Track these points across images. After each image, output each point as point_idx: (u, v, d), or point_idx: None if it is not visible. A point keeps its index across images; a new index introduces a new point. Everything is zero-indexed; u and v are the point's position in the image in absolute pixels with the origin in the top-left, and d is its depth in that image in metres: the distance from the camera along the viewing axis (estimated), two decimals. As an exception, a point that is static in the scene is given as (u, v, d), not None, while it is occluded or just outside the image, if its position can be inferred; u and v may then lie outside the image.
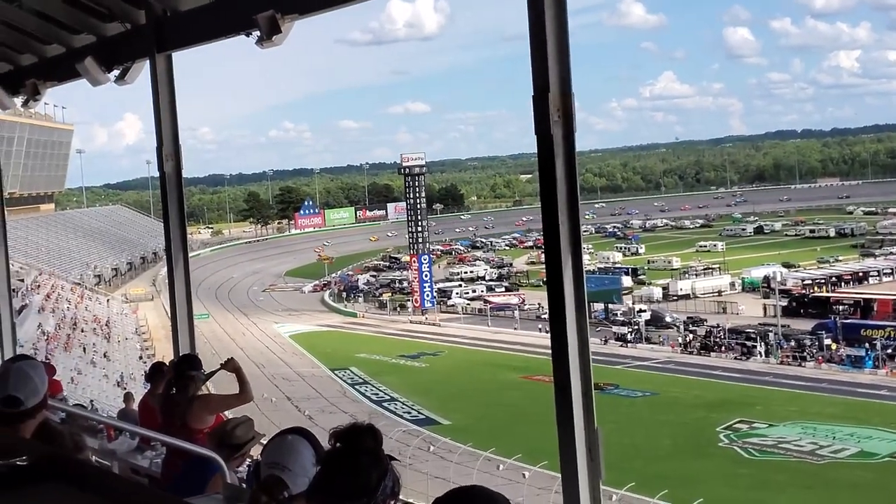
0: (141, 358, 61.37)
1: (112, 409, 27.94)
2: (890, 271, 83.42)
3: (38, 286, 69.91)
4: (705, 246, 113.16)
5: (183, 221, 8.43)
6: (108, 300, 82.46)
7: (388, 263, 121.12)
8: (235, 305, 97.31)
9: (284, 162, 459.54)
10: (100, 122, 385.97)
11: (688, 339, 64.36)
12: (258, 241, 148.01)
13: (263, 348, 73.32)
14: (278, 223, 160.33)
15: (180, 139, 8.33)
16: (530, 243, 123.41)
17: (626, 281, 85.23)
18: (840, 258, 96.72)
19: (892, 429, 42.31)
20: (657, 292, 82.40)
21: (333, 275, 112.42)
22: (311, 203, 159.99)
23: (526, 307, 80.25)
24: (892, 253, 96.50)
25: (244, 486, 4.03)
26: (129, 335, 70.65)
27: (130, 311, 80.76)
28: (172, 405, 6.07)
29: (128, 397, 14.57)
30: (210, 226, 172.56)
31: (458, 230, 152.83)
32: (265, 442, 3.44)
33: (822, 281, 79.11)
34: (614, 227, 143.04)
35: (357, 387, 59.04)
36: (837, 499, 33.93)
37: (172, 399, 6.12)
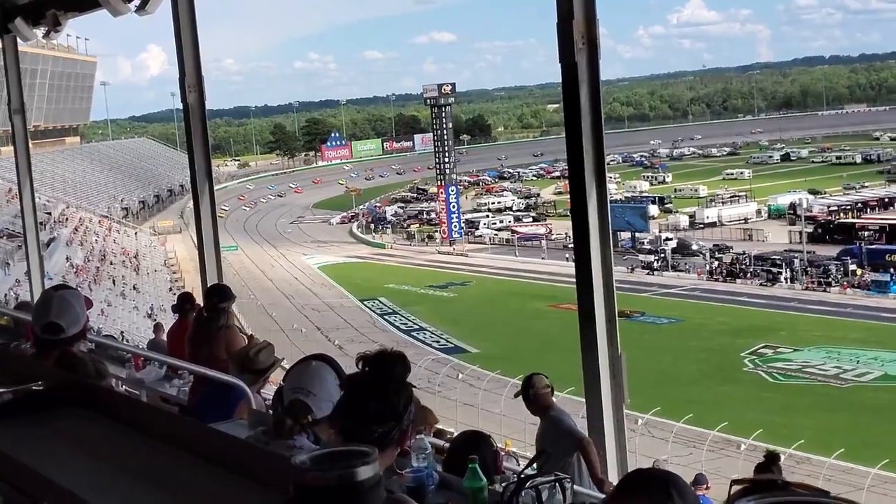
0: (171, 290, 61.97)
1: (142, 340, 28.37)
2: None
3: (66, 219, 70.49)
4: (732, 174, 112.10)
5: (207, 153, 8.44)
6: (136, 233, 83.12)
7: (415, 195, 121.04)
8: (264, 237, 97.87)
9: (310, 93, 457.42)
10: (123, 54, 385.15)
11: (714, 266, 64.22)
12: (285, 173, 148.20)
13: (292, 279, 73.84)
14: (305, 155, 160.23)
15: (203, 70, 8.28)
16: (557, 173, 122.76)
17: (653, 210, 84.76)
18: (866, 184, 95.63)
19: (917, 353, 42.32)
20: (684, 220, 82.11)
21: (361, 206, 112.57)
22: (337, 135, 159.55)
23: (553, 237, 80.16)
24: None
25: (269, 411, 4.10)
26: (158, 267, 71.32)
27: (159, 243, 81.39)
28: (200, 334, 6.16)
29: (158, 328, 14.86)
30: (236, 158, 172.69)
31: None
32: (288, 367, 3.49)
33: (848, 207, 78.50)
34: (641, 155, 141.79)
35: (386, 317, 59.47)
36: (861, 422, 34.04)
37: (200, 328, 6.21)
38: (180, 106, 8.47)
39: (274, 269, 78.89)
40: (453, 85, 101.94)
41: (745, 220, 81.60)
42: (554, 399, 6.84)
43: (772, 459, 6.69)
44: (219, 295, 6.30)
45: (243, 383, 4.51)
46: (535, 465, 2.99)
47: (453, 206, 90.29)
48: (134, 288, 60.02)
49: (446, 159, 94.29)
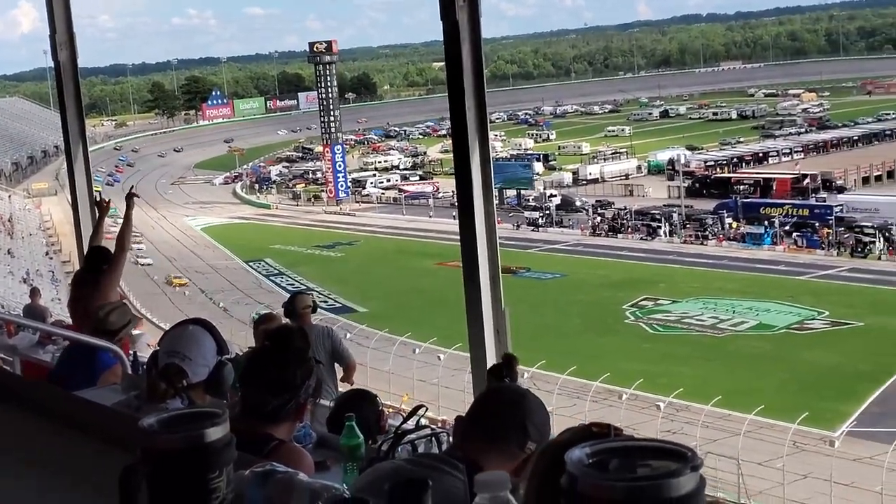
0: (47, 254, 60.08)
1: (18, 305, 27.43)
2: (788, 151, 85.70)
3: (-66, 183, 67.37)
4: (613, 131, 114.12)
5: (81, 113, 8.16)
6: (9, 196, 79.91)
7: (300, 154, 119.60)
8: (143, 199, 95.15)
9: (189, 51, 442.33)
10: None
11: (596, 221, 65.55)
12: (164, 132, 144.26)
13: (175, 242, 72.35)
14: (185, 114, 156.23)
15: (76, 27, 7.95)
16: (444, 132, 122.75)
17: (538, 167, 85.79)
18: (741, 140, 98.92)
19: (789, 302, 44.16)
20: (567, 177, 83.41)
21: (245, 166, 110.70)
22: (218, 93, 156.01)
23: (440, 195, 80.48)
24: (790, 133, 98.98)
25: (142, 374, 4.03)
26: (34, 231, 68.82)
27: (33, 206, 78.52)
28: (80, 293, 6.11)
29: (34, 293, 14.39)
30: (113, 118, 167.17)
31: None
32: (166, 329, 3.44)
33: (724, 162, 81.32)
34: (526, 113, 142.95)
35: (272, 278, 58.89)
36: (737, 369, 35.42)
37: (79, 288, 6.17)
38: (52, 64, 8.13)
39: (154, 230, 77.04)
40: (329, 43, 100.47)
41: (626, 176, 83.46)
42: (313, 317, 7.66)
43: (507, 362, 6.54)
44: (100, 256, 6.26)
45: (117, 347, 4.41)
46: (412, 420, 3.03)
47: (339, 166, 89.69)
48: (8, 252, 57.80)
49: (331, 118, 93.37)
